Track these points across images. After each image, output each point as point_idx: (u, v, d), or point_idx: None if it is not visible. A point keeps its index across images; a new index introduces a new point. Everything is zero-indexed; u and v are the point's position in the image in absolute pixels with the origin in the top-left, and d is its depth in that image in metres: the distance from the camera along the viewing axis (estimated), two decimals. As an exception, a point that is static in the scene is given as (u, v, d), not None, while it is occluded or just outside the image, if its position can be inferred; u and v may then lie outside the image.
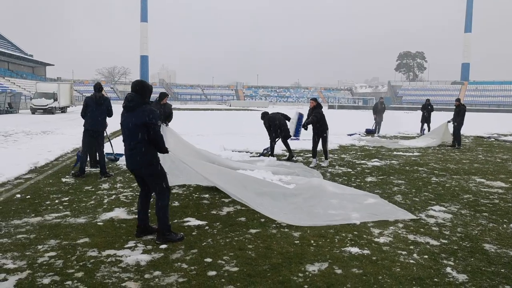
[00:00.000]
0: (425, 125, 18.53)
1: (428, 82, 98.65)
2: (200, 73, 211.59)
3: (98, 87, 8.13)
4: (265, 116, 10.71)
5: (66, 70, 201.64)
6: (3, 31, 71.24)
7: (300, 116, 10.56)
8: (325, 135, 9.63)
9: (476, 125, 25.22)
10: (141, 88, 4.37)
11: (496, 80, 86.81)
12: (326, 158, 9.72)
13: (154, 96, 6.62)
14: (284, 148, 10.74)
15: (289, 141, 10.74)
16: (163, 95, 8.94)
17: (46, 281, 3.47)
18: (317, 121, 9.43)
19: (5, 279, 3.49)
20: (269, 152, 10.69)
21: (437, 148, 13.55)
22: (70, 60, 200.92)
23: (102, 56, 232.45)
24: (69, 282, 3.45)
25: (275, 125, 10.41)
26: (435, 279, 3.54)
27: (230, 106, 69.73)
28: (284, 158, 10.43)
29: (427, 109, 18.46)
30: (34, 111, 32.98)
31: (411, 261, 3.94)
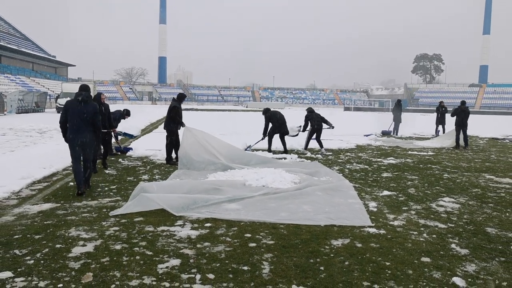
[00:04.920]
0: (440, 127, 19.00)
1: (445, 84, 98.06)
2: (216, 74, 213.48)
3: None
4: (267, 111, 12.23)
5: (86, 71, 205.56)
6: (28, 33, 73.49)
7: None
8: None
9: (491, 127, 25.46)
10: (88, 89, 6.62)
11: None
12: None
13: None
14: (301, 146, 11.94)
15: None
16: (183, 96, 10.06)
17: (118, 247, 4.24)
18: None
19: (84, 245, 4.28)
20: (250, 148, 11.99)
21: (450, 148, 14.05)
22: (89, 61, 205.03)
23: (120, 57, 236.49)
24: (137, 249, 4.21)
25: (276, 121, 11.92)
26: (441, 252, 4.20)
27: (246, 107, 70.57)
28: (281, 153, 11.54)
29: (440, 111, 18.94)
30: (60, 110, 34.31)
31: (421, 239, 4.60)
